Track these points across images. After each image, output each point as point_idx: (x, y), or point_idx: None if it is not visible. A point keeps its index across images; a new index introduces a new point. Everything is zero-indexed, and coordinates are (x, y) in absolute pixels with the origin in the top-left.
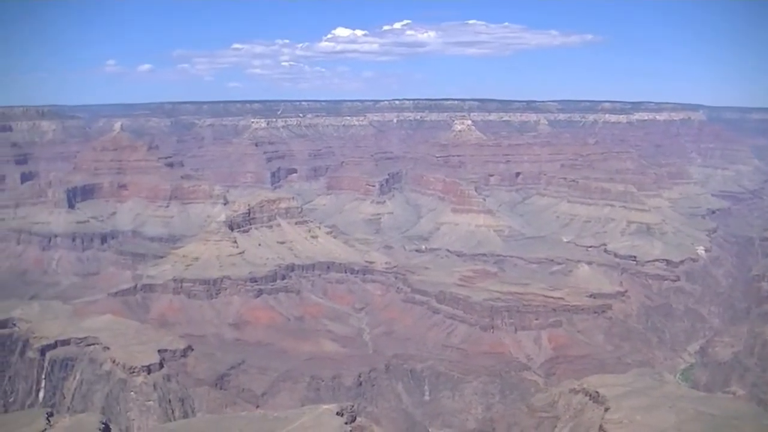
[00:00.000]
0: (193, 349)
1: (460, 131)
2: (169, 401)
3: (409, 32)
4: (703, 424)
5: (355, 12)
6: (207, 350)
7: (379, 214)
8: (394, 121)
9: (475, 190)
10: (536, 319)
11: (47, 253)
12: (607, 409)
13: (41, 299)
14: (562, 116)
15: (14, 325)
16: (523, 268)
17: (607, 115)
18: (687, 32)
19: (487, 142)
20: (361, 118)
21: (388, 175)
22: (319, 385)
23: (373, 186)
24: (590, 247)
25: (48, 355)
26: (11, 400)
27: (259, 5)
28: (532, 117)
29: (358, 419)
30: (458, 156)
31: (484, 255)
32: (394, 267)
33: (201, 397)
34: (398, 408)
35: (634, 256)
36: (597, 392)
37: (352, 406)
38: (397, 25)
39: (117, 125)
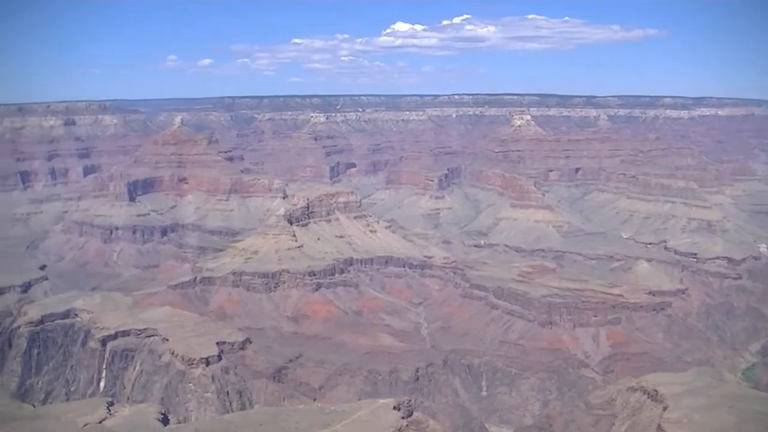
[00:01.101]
0: (251, 342)
1: (519, 126)
2: (227, 393)
3: (468, 27)
4: (763, 424)
5: (414, 7)
6: (265, 343)
7: (437, 209)
8: (453, 115)
9: (535, 186)
10: (595, 316)
11: (109, 245)
12: (665, 408)
13: (102, 290)
14: (622, 112)
15: (76, 315)
16: (582, 264)
17: (668, 111)
18: (750, 26)
19: (546, 137)
20: (420, 112)
21: (447, 170)
22: (376, 379)
23: (432, 181)
24: (650, 243)
25: (109, 345)
26: (73, 389)
27: (319, 0)
28: (592, 112)
29: (415, 414)
30: (517, 151)
31: (543, 251)
32: (453, 262)
33: (259, 390)
34: (455, 403)
35: (695, 254)
36: (655, 391)
37: (409, 401)
38: (457, 20)
39: (177, 119)
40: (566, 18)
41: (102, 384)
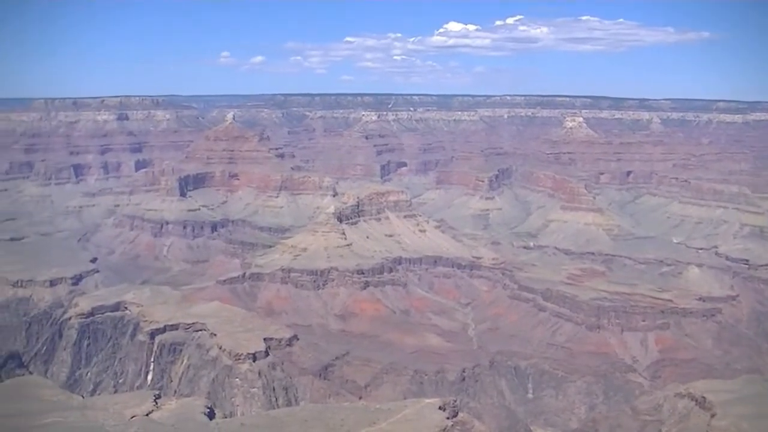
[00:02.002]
0: (298, 339)
1: (571, 128)
2: (273, 389)
3: (521, 27)
4: None
5: (467, 6)
6: (312, 340)
7: (487, 209)
8: (505, 116)
9: (585, 188)
10: (643, 321)
11: (159, 239)
12: (713, 416)
13: (152, 284)
14: (675, 115)
15: (126, 308)
16: (631, 268)
17: (722, 115)
18: None
19: (598, 139)
20: (472, 113)
21: (498, 170)
22: (422, 379)
23: (483, 181)
24: (701, 249)
25: (157, 339)
26: (121, 381)
27: None
28: (645, 115)
29: (460, 414)
30: (569, 153)
31: (593, 254)
32: (502, 263)
33: (305, 387)
34: (501, 405)
35: (747, 260)
36: (703, 397)
37: (455, 401)
38: (510, 21)
39: (229, 115)
40: (620, 19)
41: (150, 377)
